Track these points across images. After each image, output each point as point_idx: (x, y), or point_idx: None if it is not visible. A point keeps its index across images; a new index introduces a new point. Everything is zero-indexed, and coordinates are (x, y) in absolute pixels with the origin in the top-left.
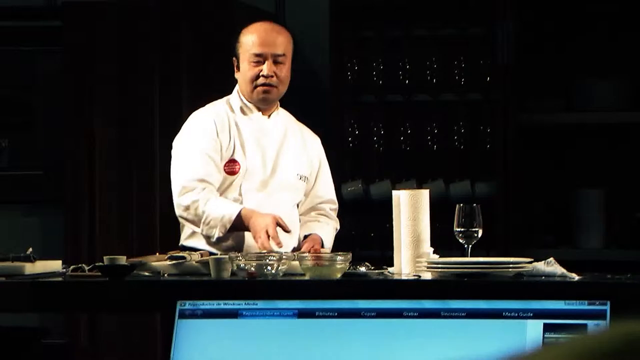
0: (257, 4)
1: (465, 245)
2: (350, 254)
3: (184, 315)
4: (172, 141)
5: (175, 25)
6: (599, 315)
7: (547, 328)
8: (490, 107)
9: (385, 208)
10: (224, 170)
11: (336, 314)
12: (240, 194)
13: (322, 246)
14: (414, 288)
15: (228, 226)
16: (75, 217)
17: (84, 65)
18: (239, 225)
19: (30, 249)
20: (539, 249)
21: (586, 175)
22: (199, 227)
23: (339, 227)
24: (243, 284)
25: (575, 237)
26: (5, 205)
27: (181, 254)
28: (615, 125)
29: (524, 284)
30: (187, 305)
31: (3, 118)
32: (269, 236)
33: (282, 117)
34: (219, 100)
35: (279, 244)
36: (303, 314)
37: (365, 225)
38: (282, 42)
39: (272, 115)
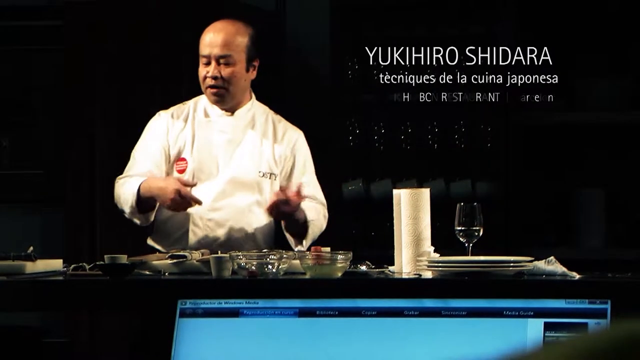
0: (257, 4)
1: (466, 244)
2: (351, 253)
3: (184, 314)
4: None
5: (175, 25)
6: (599, 314)
7: (547, 327)
8: (490, 107)
9: (385, 207)
10: (175, 168)
11: (337, 312)
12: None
13: (306, 220)
14: (414, 287)
15: (133, 199)
16: (76, 217)
17: (84, 65)
18: (146, 198)
19: (31, 248)
20: (539, 248)
21: (586, 175)
22: (125, 210)
23: (326, 216)
24: (244, 282)
25: (575, 236)
26: (5, 204)
27: (182, 252)
28: (615, 125)
29: (525, 283)
30: (188, 304)
31: (3, 118)
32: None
33: (252, 112)
34: (189, 100)
35: (196, 201)
36: (304, 312)
37: (365, 224)
38: (228, 43)
39: (237, 112)
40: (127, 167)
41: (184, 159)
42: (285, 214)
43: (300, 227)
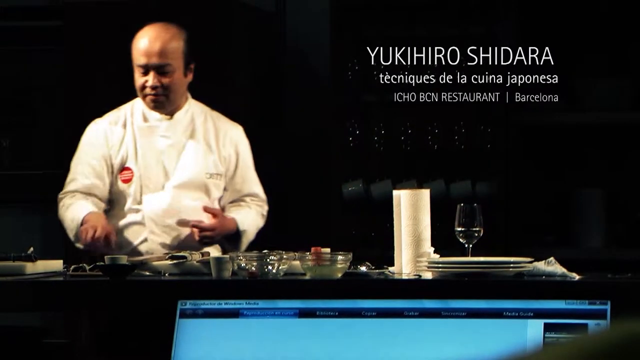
0: (257, 4)
1: (466, 245)
2: (351, 254)
3: (184, 314)
4: None
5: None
6: (599, 315)
7: (547, 328)
8: (490, 107)
9: (385, 208)
10: (120, 178)
11: (337, 313)
12: (140, 202)
13: (238, 230)
14: (414, 288)
15: (77, 229)
16: None
17: (84, 65)
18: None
19: (32, 249)
20: (539, 248)
21: (586, 175)
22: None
23: (265, 213)
24: (244, 283)
25: (575, 237)
26: (5, 205)
27: (182, 253)
28: (615, 125)
29: (525, 284)
30: (188, 304)
31: (3, 118)
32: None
33: (190, 113)
34: (125, 105)
35: (99, 252)
36: (304, 313)
37: (365, 224)
38: (165, 51)
39: (176, 115)
40: (67, 181)
41: (129, 168)
42: (215, 238)
43: (232, 237)
